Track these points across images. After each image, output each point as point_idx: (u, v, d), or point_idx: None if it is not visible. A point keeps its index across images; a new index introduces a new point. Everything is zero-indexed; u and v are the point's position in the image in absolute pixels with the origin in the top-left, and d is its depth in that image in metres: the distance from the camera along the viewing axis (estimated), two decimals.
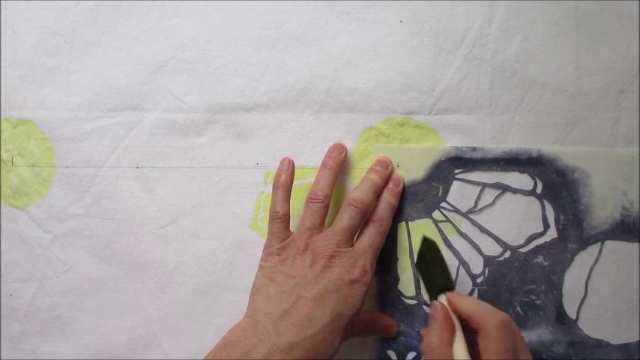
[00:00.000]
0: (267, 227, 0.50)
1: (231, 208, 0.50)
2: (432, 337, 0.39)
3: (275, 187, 0.46)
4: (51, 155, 0.52)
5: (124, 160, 0.51)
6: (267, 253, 0.45)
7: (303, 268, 0.42)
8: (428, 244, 0.44)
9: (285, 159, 0.48)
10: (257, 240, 0.50)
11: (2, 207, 0.53)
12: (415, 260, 0.46)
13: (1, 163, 0.53)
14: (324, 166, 0.47)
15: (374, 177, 0.47)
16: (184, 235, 0.51)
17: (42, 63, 0.52)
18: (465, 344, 0.39)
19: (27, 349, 0.53)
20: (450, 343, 0.39)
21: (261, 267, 0.45)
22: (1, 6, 0.53)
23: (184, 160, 0.51)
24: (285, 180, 0.46)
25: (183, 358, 0.51)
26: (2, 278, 0.53)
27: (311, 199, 0.45)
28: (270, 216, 0.46)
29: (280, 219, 0.45)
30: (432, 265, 0.43)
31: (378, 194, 0.46)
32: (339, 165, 0.47)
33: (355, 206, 0.44)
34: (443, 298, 0.41)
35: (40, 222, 0.52)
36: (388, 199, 0.47)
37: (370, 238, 0.45)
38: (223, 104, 0.50)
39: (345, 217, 0.44)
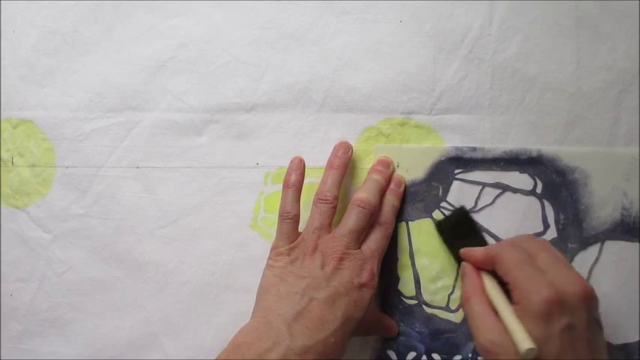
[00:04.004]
0: (267, 227, 0.50)
1: (231, 208, 0.50)
2: (465, 289, 0.42)
3: (285, 186, 0.46)
4: (51, 155, 0.52)
5: (124, 160, 0.51)
6: (277, 252, 0.45)
7: (314, 269, 0.43)
8: (460, 215, 0.47)
9: (295, 158, 0.47)
10: (257, 240, 0.50)
11: (2, 207, 0.53)
12: (440, 226, 0.47)
13: (1, 163, 0.53)
14: (330, 166, 0.47)
15: (377, 177, 0.47)
16: (184, 235, 0.51)
17: (42, 63, 0.52)
18: (497, 284, 0.41)
19: (27, 349, 0.53)
20: (482, 288, 0.42)
21: (269, 266, 0.45)
22: (1, 6, 0.53)
23: (184, 160, 0.51)
24: (295, 179, 0.46)
25: (183, 358, 0.51)
26: (2, 278, 0.53)
27: (319, 200, 0.45)
28: (280, 216, 0.45)
29: (291, 219, 0.45)
30: (458, 234, 0.46)
31: (382, 194, 0.47)
32: (346, 164, 0.47)
33: (363, 207, 0.44)
34: None
35: (40, 222, 0.52)
36: (391, 200, 0.47)
37: (377, 241, 0.45)
38: (223, 104, 0.50)
39: (352, 219, 0.44)
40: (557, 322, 0.36)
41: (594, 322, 0.38)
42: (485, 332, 0.39)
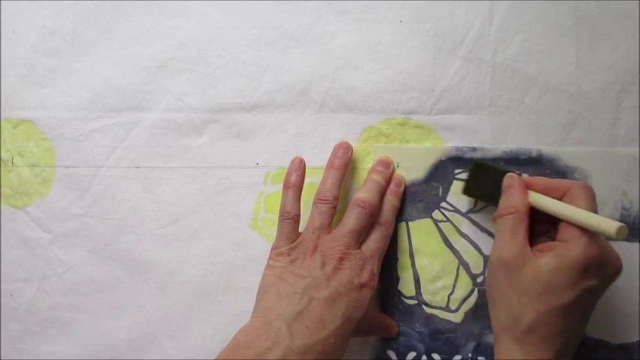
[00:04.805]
0: (267, 227, 0.50)
1: (231, 208, 0.50)
2: (509, 203, 0.42)
3: (286, 186, 0.46)
4: (51, 155, 0.52)
5: (124, 160, 0.51)
6: (277, 253, 0.45)
7: (314, 269, 0.43)
8: (476, 169, 0.46)
9: (296, 158, 0.47)
10: (257, 240, 0.50)
11: (2, 207, 0.53)
12: (468, 191, 0.47)
13: (1, 163, 0.53)
14: (330, 166, 0.47)
15: (377, 177, 0.47)
16: (184, 235, 0.51)
17: (42, 63, 0.52)
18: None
19: (27, 349, 0.53)
20: (526, 205, 0.41)
21: (270, 266, 0.45)
22: (1, 6, 0.53)
23: (184, 160, 0.51)
24: (296, 180, 0.46)
25: (183, 358, 0.51)
26: (2, 278, 0.53)
27: (319, 200, 0.45)
28: (281, 216, 0.45)
29: (292, 219, 0.45)
30: (485, 182, 0.45)
31: (382, 194, 0.47)
32: (346, 164, 0.47)
33: (363, 207, 0.44)
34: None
35: (40, 222, 0.52)
36: (392, 201, 0.47)
37: (377, 241, 0.45)
38: (223, 104, 0.50)
39: (352, 219, 0.44)
40: (586, 280, 0.38)
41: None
42: (508, 248, 0.40)
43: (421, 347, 0.48)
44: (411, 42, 0.48)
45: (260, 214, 0.50)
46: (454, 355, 0.48)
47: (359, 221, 0.44)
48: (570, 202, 0.40)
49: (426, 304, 0.48)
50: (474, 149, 0.47)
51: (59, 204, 0.52)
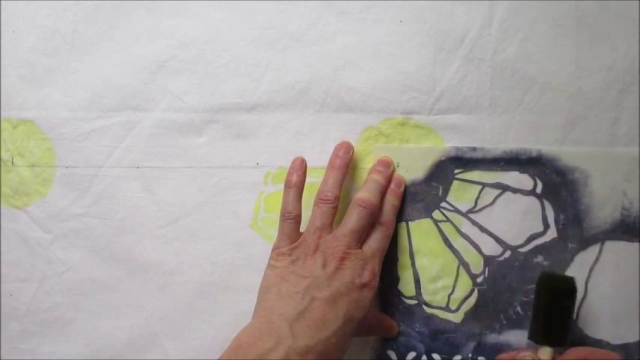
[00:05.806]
0: (267, 227, 0.50)
1: (232, 208, 0.50)
2: None
3: (287, 186, 0.46)
4: (51, 155, 0.52)
5: (124, 160, 0.51)
6: (278, 253, 0.45)
7: (315, 269, 0.43)
8: (566, 286, 0.42)
9: (297, 158, 0.48)
10: (257, 240, 0.50)
11: (2, 207, 0.53)
12: (537, 296, 0.43)
13: (1, 163, 0.53)
14: (331, 166, 0.47)
15: (378, 177, 0.47)
16: (184, 235, 0.51)
17: (42, 63, 0.52)
18: None
19: (27, 349, 0.53)
20: None
21: (271, 266, 0.45)
22: (1, 6, 0.53)
23: (184, 160, 0.51)
24: (297, 180, 0.46)
25: (183, 358, 0.51)
26: (2, 278, 0.53)
27: (320, 200, 0.45)
28: (282, 216, 0.45)
29: (293, 219, 0.45)
30: (557, 309, 0.42)
31: (383, 194, 0.47)
32: (347, 164, 0.47)
33: (364, 207, 0.44)
34: (546, 353, 0.42)
35: (40, 222, 0.52)
36: (392, 201, 0.47)
37: (378, 241, 0.45)
38: (223, 104, 0.50)
39: (353, 218, 0.44)
40: None
41: None
42: None
43: (421, 347, 0.48)
44: (411, 42, 0.48)
45: (260, 214, 0.50)
46: (454, 355, 0.48)
47: (360, 221, 0.44)
48: None
49: (426, 304, 0.48)
50: (474, 149, 0.48)
51: (59, 204, 0.52)
